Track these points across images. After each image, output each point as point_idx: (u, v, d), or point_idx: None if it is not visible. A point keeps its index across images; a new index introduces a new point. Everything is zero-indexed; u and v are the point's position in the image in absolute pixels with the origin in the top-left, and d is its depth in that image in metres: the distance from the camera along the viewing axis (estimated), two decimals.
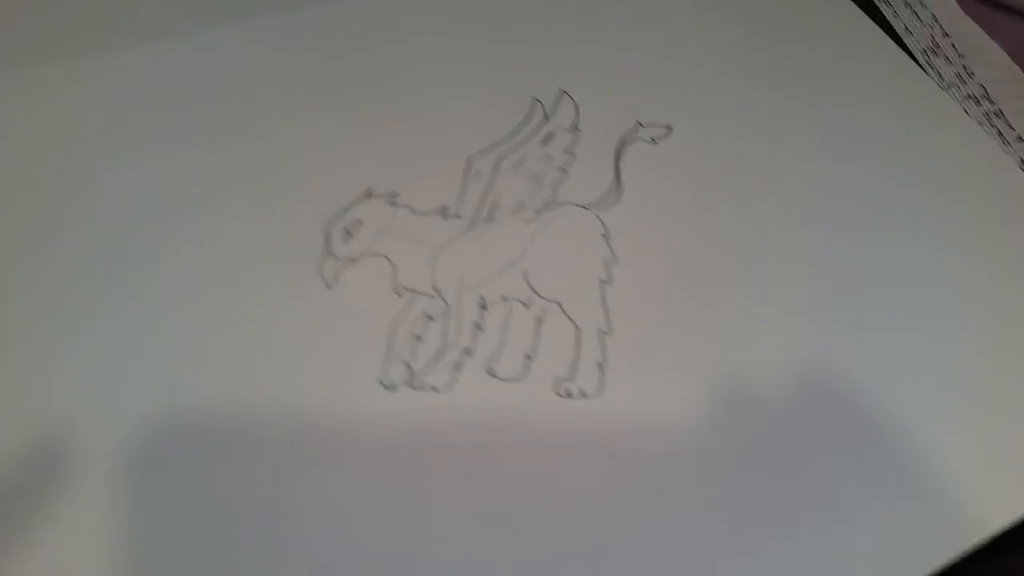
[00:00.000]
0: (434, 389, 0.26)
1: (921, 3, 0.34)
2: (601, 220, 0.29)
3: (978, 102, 0.33)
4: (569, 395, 0.26)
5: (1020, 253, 0.30)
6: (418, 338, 0.26)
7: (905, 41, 0.33)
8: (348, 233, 0.28)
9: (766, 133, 0.32)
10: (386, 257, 0.28)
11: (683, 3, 0.35)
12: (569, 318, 0.27)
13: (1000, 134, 0.31)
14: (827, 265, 0.29)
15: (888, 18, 0.35)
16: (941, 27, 0.34)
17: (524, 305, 0.27)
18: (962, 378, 0.27)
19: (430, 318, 0.27)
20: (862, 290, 0.28)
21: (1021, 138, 0.31)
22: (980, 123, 0.32)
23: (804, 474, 0.25)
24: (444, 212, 0.29)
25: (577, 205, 0.29)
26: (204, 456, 0.24)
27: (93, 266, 0.26)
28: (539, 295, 0.27)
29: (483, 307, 0.27)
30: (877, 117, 0.33)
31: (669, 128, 0.32)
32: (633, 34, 0.34)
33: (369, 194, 0.29)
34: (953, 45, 0.33)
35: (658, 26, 0.34)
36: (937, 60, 0.32)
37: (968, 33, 0.34)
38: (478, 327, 0.27)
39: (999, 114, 0.31)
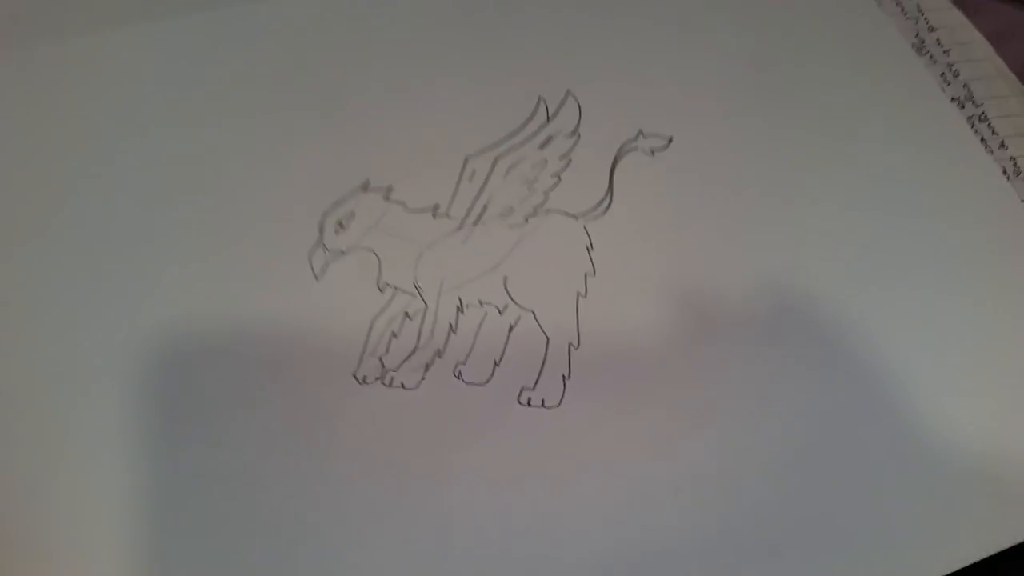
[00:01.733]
0: (403, 387, 0.28)
1: None
2: (587, 231, 0.30)
3: (962, 105, 0.33)
4: (530, 404, 0.27)
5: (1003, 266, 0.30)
6: (394, 335, 0.28)
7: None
8: (341, 225, 0.30)
9: (767, 151, 0.32)
10: (374, 252, 0.29)
11: (697, 8, 0.35)
12: (541, 328, 0.29)
13: (983, 140, 0.31)
14: (823, 301, 0.29)
15: None
16: (927, 20, 0.33)
17: (499, 311, 0.29)
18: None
19: (408, 316, 0.29)
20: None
21: (1004, 144, 0.31)
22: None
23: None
24: (435, 211, 0.30)
25: (565, 214, 0.30)
26: (172, 436, 0.27)
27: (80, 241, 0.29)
28: (515, 302, 0.29)
29: (460, 309, 0.29)
30: (887, 141, 0.33)
31: (670, 140, 0.32)
32: (646, 40, 0.34)
33: (366, 187, 0.30)
34: (938, 40, 0.33)
35: (673, 34, 0.34)
36: (921, 60, 0.32)
37: (953, 25, 0.34)
38: (452, 329, 0.28)
39: (983, 118, 0.31)
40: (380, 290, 0.29)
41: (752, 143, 0.32)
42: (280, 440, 0.27)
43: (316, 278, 0.29)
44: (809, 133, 0.33)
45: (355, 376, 0.28)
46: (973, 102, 0.32)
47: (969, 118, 0.33)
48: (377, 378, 0.28)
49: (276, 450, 0.26)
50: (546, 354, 0.28)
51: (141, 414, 0.27)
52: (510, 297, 0.29)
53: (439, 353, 0.28)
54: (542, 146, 0.31)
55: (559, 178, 0.31)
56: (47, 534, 0.25)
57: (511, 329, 0.28)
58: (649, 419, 0.27)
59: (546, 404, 0.27)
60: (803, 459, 0.27)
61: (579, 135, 0.32)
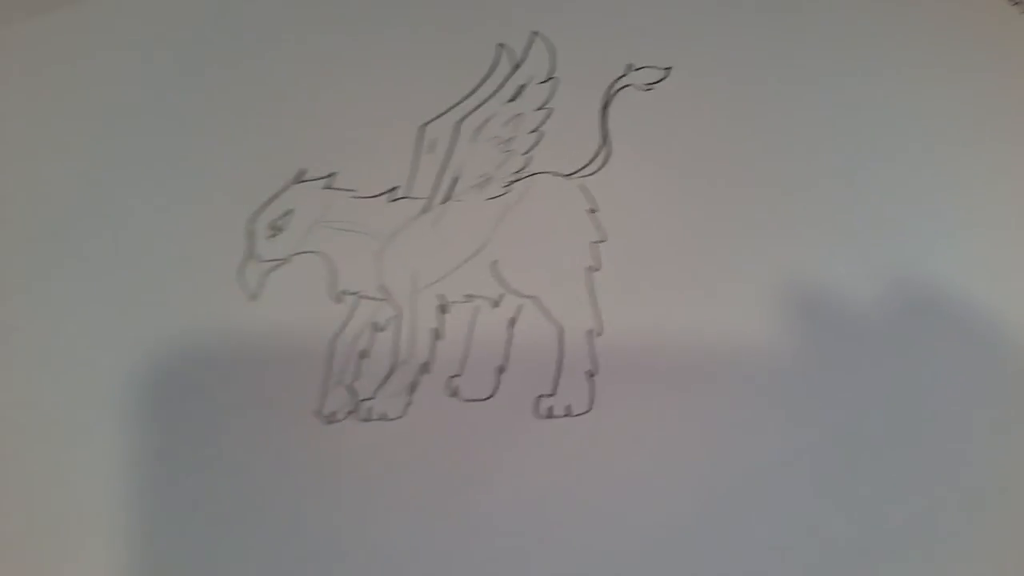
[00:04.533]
0: (384, 418, 0.22)
1: None
2: (586, 191, 0.25)
3: None
4: (551, 415, 0.22)
5: None
6: (364, 354, 0.23)
7: None
8: (276, 228, 0.24)
9: (783, 66, 0.27)
10: (323, 254, 0.24)
11: None
12: (549, 317, 0.23)
13: None
14: (861, 226, 0.24)
15: None
16: None
17: (493, 303, 0.23)
18: None
19: (378, 328, 0.23)
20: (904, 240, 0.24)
21: None
22: None
23: None
24: (393, 194, 0.25)
25: (554, 174, 0.25)
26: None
27: None
28: (511, 290, 0.23)
29: (443, 309, 0.23)
30: (908, 38, 0.28)
31: (667, 69, 0.27)
32: None
33: (300, 177, 0.25)
34: None
35: None
36: None
37: None
38: (437, 335, 0.23)
39: None
40: (337, 300, 0.23)
41: (761, 61, 0.27)
42: (233, 514, 0.21)
43: (251, 298, 0.23)
44: (821, 40, 0.28)
45: (319, 414, 0.22)
46: None
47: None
48: (349, 412, 0.22)
49: (229, 526, 0.20)
50: (561, 348, 0.22)
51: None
52: (504, 285, 0.23)
53: (425, 368, 0.22)
54: (512, 99, 0.26)
55: (541, 132, 0.26)
56: None
57: (512, 324, 0.23)
58: (705, 411, 0.22)
59: (573, 411, 0.22)
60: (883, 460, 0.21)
61: (557, 79, 0.27)
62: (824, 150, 0.26)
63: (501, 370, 0.23)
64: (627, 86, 0.27)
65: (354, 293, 0.24)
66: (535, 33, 0.28)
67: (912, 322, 0.23)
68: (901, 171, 0.26)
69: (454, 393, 0.22)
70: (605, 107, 0.26)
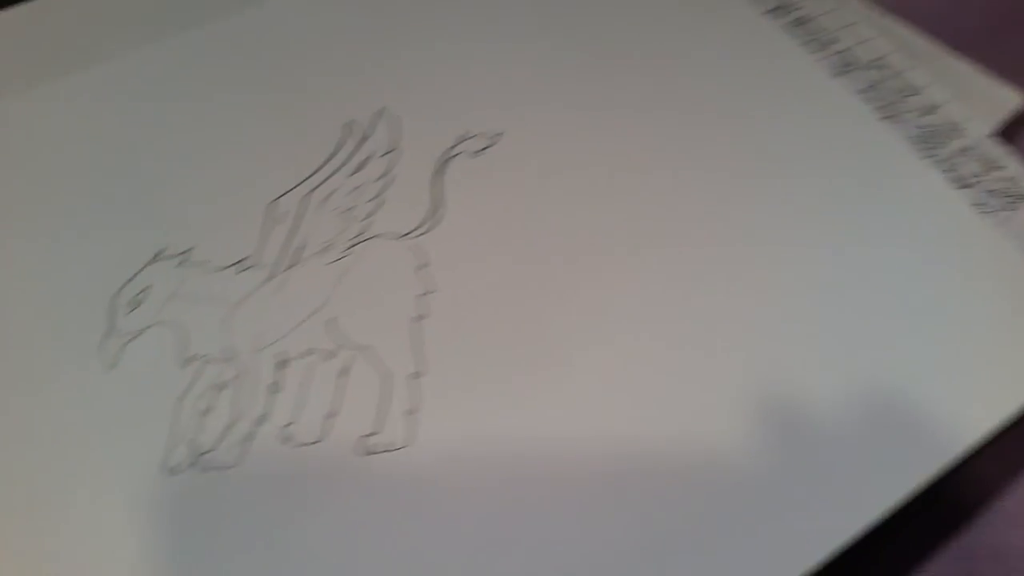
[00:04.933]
0: (222, 467, 0.24)
1: None
2: (416, 249, 0.27)
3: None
4: (372, 451, 0.24)
5: None
6: (206, 412, 0.25)
7: None
8: (135, 303, 0.26)
9: (606, 125, 0.30)
10: (174, 324, 0.26)
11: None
12: (377, 365, 0.25)
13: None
14: (691, 276, 0.27)
15: None
16: None
17: (329, 357, 0.25)
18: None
19: (221, 387, 0.25)
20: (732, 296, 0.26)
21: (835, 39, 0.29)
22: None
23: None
24: (241, 264, 0.27)
25: (388, 236, 0.27)
26: None
27: None
28: (345, 343, 0.26)
29: (283, 365, 0.25)
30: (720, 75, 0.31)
31: (497, 135, 0.30)
32: (467, 40, 0.32)
33: (159, 255, 0.27)
34: None
35: (493, 30, 0.33)
36: None
37: None
38: (275, 389, 0.25)
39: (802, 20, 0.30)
40: (185, 365, 0.25)
41: (591, 119, 0.30)
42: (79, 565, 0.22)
43: (108, 367, 0.25)
44: (644, 87, 0.31)
45: (164, 468, 0.24)
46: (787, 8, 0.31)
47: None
48: (191, 464, 0.24)
49: None
50: (387, 391, 0.25)
51: None
52: (341, 338, 0.25)
53: (262, 419, 0.24)
54: (355, 171, 0.29)
55: (382, 200, 0.28)
56: None
57: (344, 374, 0.25)
58: (517, 445, 0.24)
59: (396, 446, 0.24)
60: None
61: (400, 151, 0.29)
62: (654, 215, 0.28)
63: (332, 415, 0.24)
64: (459, 154, 0.30)
65: (201, 357, 0.26)
66: (382, 109, 0.30)
67: None
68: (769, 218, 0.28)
69: (287, 440, 0.24)
70: (438, 172, 0.29)
